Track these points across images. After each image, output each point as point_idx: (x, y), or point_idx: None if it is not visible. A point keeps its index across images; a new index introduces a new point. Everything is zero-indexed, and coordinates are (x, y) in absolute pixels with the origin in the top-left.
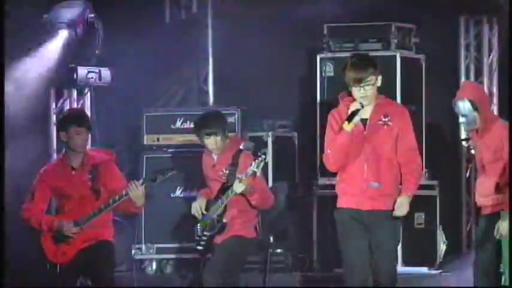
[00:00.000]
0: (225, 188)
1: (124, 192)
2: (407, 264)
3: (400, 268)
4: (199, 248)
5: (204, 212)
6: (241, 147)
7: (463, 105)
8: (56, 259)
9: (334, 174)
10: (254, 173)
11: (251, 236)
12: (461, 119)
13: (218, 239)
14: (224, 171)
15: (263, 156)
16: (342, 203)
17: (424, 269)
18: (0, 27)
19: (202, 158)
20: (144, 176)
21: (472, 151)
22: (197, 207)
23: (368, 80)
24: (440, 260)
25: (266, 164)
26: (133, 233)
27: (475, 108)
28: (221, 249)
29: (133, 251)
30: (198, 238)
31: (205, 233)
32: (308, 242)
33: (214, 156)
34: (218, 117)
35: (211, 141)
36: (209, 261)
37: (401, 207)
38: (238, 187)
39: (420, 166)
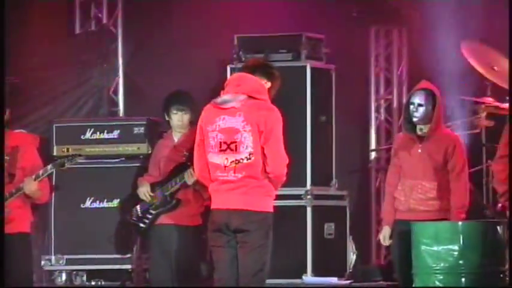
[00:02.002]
0: (182, 167)
1: (20, 186)
2: (317, 274)
3: (310, 278)
4: (142, 225)
5: (152, 194)
6: None
7: (423, 95)
8: None
9: None
10: None
11: (194, 224)
12: (416, 111)
13: (165, 219)
14: (185, 152)
15: None
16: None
17: (333, 279)
18: (0, 28)
19: (157, 144)
20: (52, 163)
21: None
22: (144, 192)
23: None
24: (350, 270)
25: None
26: (43, 244)
27: (434, 101)
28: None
29: (42, 262)
30: (136, 218)
31: (151, 211)
32: None
33: (175, 138)
34: (190, 97)
35: (179, 117)
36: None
37: None
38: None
39: None
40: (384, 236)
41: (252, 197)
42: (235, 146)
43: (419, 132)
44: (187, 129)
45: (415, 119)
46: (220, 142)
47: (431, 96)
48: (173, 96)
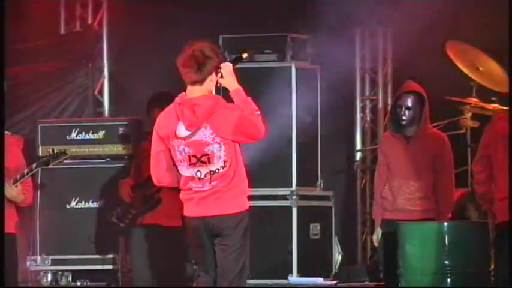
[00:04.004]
0: None
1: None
2: (303, 275)
3: (295, 278)
4: (122, 225)
5: (132, 195)
6: None
7: (411, 98)
8: None
9: None
10: None
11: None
12: (405, 112)
13: (146, 219)
14: None
15: None
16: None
17: (319, 280)
18: (0, 28)
19: (139, 147)
20: (36, 162)
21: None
22: (125, 193)
23: None
24: (336, 271)
25: None
26: (28, 245)
27: (421, 103)
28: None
29: (28, 263)
30: (117, 219)
31: (131, 210)
32: None
33: None
34: (172, 97)
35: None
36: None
37: None
38: None
39: None
40: (377, 237)
41: (225, 200)
42: (208, 158)
43: (407, 133)
44: None
45: (403, 122)
46: (189, 156)
47: (418, 98)
48: (155, 97)
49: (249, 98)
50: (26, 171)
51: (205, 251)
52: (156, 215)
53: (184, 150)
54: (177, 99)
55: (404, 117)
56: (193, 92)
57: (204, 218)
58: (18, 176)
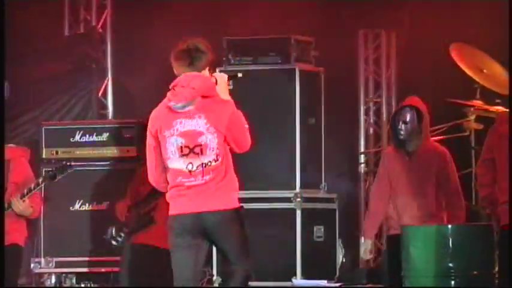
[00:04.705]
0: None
1: (6, 206)
2: (307, 277)
3: (299, 281)
4: (114, 243)
5: (127, 215)
6: None
7: (410, 112)
8: None
9: None
10: None
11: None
12: (402, 127)
13: (138, 239)
14: None
15: None
16: None
17: (323, 282)
18: (0, 27)
19: (136, 171)
20: (42, 176)
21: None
22: (120, 213)
23: None
24: (339, 273)
25: None
26: (33, 247)
27: (420, 119)
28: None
29: (32, 265)
30: (110, 237)
31: (125, 229)
32: None
33: None
34: None
35: None
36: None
37: None
38: None
39: None
40: (365, 250)
41: (220, 195)
42: (201, 149)
43: (407, 148)
44: None
45: (401, 137)
46: (181, 146)
47: (416, 113)
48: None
49: (239, 111)
50: (32, 186)
51: (191, 253)
52: (149, 236)
53: (176, 140)
54: (170, 88)
55: (402, 132)
56: None
57: (199, 214)
58: (25, 191)
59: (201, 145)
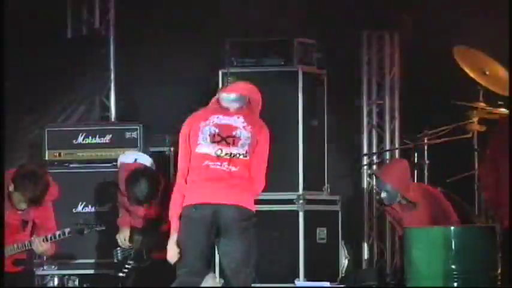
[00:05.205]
0: (157, 220)
1: (27, 243)
2: (309, 279)
3: (302, 283)
4: (121, 274)
5: (130, 245)
6: None
7: (385, 187)
8: None
9: None
10: None
11: None
12: (383, 194)
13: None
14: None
15: None
16: None
17: (326, 284)
18: (0, 27)
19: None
20: (70, 227)
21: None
22: (123, 239)
23: None
24: (343, 275)
25: None
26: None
27: (396, 191)
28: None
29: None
30: (117, 262)
31: (129, 261)
32: None
33: None
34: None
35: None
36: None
37: None
38: None
39: None
40: None
41: (242, 191)
42: (233, 140)
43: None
44: None
45: (384, 205)
46: (214, 134)
47: (383, 182)
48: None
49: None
50: (58, 233)
51: (202, 248)
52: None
53: (210, 129)
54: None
55: (384, 201)
56: None
57: (218, 206)
58: (50, 236)
59: (234, 137)
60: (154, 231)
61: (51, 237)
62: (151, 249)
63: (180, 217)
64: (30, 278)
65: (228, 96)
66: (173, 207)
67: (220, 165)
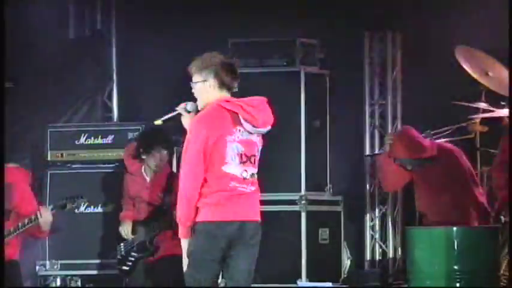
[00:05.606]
0: (161, 211)
1: (33, 217)
2: (312, 280)
3: (304, 283)
4: (125, 268)
5: (132, 237)
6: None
7: (401, 161)
8: None
9: None
10: None
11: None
12: (408, 167)
13: (148, 259)
14: (159, 194)
15: None
16: None
17: (328, 284)
18: (1, 27)
19: (125, 178)
20: (53, 204)
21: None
22: (125, 231)
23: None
24: (345, 276)
25: None
26: (38, 249)
27: (410, 159)
28: (153, 270)
29: (37, 267)
30: (121, 257)
31: (132, 253)
32: None
33: (147, 177)
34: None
35: (163, 157)
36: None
37: None
38: None
39: None
40: None
41: (258, 207)
42: (254, 159)
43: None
44: (162, 169)
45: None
46: (242, 154)
47: (395, 159)
48: (159, 134)
49: None
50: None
51: (218, 264)
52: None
53: (237, 148)
54: (233, 100)
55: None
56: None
57: (243, 223)
58: (52, 206)
59: (255, 156)
60: (157, 221)
61: (35, 219)
62: (153, 238)
63: (193, 228)
64: (15, 271)
65: (261, 129)
66: (187, 210)
67: (246, 188)
